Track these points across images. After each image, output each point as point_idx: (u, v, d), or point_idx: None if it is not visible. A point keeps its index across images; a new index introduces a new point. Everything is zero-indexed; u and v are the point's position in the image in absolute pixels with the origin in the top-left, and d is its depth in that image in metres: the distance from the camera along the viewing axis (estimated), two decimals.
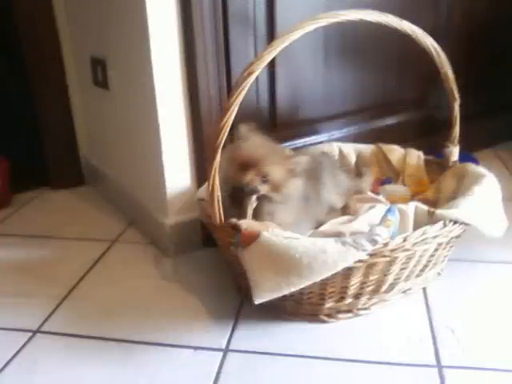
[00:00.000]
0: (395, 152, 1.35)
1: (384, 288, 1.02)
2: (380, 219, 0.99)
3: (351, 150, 1.36)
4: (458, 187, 1.15)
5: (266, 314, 1.03)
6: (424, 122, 1.62)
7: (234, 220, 0.97)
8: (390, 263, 0.97)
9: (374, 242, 0.92)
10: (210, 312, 1.06)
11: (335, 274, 0.91)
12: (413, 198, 1.22)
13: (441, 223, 0.98)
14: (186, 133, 1.20)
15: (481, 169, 1.15)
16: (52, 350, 0.97)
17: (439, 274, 1.13)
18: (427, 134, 1.56)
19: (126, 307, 1.08)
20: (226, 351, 0.95)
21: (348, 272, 0.95)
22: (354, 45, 1.41)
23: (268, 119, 1.33)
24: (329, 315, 1.02)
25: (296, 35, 0.89)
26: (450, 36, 1.54)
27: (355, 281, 0.98)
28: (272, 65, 1.28)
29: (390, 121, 1.56)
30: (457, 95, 1.16)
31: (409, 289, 1.07)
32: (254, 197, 1.00)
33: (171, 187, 1.22)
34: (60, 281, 1.18)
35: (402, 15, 1.01)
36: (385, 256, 0.94)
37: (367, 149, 1.37)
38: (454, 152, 1.22)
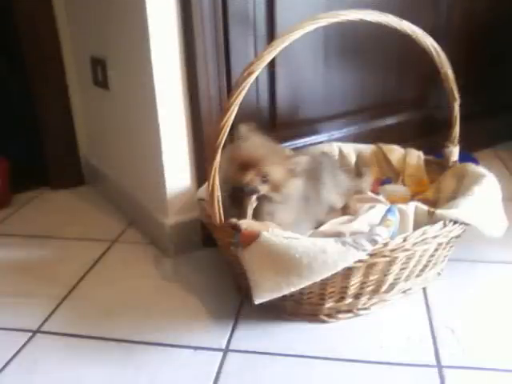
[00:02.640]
0: (395, 152, 1.35)
1: (384, 288, 1.02)
2: (380, 219, 0.99)
3: (351, 150, 1.36)
4: (458, 187, 1.15)
5: (266, 314, 1.03)
6: (424, 121, 1.62)
7: (234, 220, 0.97)
8: (390, 263, 0.97)
9: (374, 241, 0.92)
10: (210, 312, 1.06)
11: (335, 274, 0.91)
12: (413, 198, 1.22)
13: (441, 223, 0.98)
14: (186, 133, 1.20)
15: (481, 169, 1.15)
16: (52, 350, 0.97)
17: (439, 274, 1.13)
18: (427, 133, 1.56)
19: (126, 307, 1.08)
20: (225, 351, 0.95)
21: (348, 272, 0.95)
22: (354, 45, 1.41)
23: (268, 119, 1.33)
24: (329, 315, 1.02)
25: (296, 35, 0.89)
26: (450, 36, 1.54)
27: (355, 281, 0.98)
28: (272, 65, 1.27)
29: (390, 121, 1.56)
30: (457, 95, 1.16)
31: (409, 289, 1.07)
32: (254, 197, 1.00)
33: (171, 187, 1.22)
34: (60, 281, 1.18)
35: (402, 15, 1.01)
36: (385, 256, 0.94)
37: (367, 149, 1.37)
38: (454, 152, 1.22)
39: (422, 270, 1.06)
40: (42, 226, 1.45)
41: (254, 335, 0.99)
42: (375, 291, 1.02)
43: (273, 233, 0.92)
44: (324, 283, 0.96)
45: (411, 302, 1.07)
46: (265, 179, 1.00)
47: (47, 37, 1.54)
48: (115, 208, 1.53)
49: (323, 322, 1.02)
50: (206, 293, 1.12)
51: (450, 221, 0.99)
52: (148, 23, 1.09)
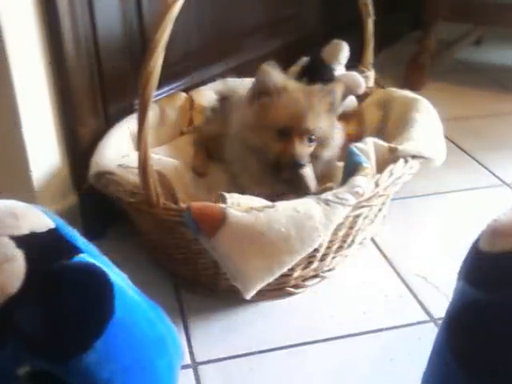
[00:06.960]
0: None
1: (348, 243, 0.88)
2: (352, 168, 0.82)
3: None
4: (387, 115, 1.03)
5: (216, 302, 0.83)
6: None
7: (175, 195, 0.73)
8: (358, 214, 0.83)
9: (356, 194, 0.77)
10: None
11: None
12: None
13: (402, 160, 0.86)
14: (48, 94, 0.86)
15: (408, 92, 1.05)
16: None
17: (385, 216, 1.00)
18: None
19: None
20: (195, 366, 0.73)
21: None
22: None
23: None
24: (296, 285, 0.85)
25: None
26: None
27: (326, 240, 0.81)
28: None
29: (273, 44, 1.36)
30: (371, 10, 1.04)
31: (364, 238, 0.95)
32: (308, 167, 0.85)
33: (37, 169, 0.87)
34: None
35: None
36: (363, 206, 0.80)
37: None
38: (370, 77, 1.10)
39: (376, 216, 0.94)
40: None
41: (215, 335, 0.78)
42: (340, 248, 0.88)
43: (238, 206, 0.71)
44: None
45: (367, 254, 0.95)
46: (312, 138, 0.83)
47: None
48: None
49: (290, 294, 0.85)
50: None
51: (414, 157, 0.87)
52: None
